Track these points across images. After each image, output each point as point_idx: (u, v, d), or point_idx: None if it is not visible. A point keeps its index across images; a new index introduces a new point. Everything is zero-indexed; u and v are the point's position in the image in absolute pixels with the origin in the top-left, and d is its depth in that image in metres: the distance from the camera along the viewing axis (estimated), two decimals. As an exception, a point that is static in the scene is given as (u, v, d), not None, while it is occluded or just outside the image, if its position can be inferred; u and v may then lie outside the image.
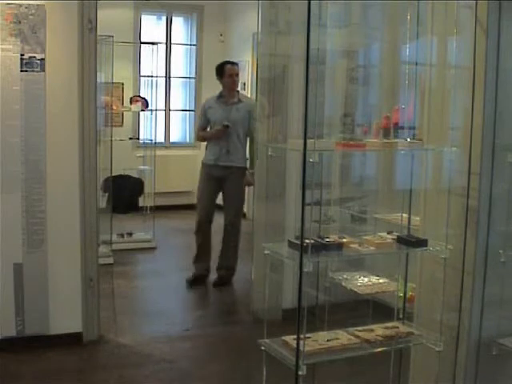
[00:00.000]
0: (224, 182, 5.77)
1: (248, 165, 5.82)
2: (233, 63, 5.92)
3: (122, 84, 8.73)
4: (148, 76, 8.37)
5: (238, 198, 5.84)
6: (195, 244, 5.91)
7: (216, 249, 5.96)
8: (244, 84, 8.83)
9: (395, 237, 2.95)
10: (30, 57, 4.03)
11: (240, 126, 5.71)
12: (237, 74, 5.82)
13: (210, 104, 5.88)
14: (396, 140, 2.95)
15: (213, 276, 5.92)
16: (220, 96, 5.83)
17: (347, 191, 4.63)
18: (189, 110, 9.79)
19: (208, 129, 5.92)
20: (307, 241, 2.57)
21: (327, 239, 2.76)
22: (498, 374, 3.04)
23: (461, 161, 2.94)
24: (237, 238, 5.87)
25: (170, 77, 9.58)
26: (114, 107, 7.31)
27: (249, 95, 8.63)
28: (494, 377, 3.05)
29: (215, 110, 5.80)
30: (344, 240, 2.82)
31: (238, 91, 5.88)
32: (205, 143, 6.02)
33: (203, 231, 5.85)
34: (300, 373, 2.60)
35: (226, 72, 5.75)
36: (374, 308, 3.60)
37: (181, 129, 9.89)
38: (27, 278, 4.17)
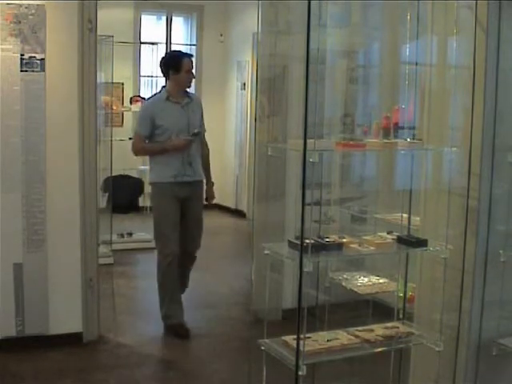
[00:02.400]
0: (185, 202, 4.62)
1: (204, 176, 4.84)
2: (190, 56, 4.77)
3: (122, 84, 8.73)
4: (148, 76, 8.38)
5: (201, 218, 4.80)
6: (161, 290, 4.68)
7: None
8: (244, 84, 8.84)
9: (395, 237, 2.95)
10: (30, 57, 4.03)
11: (197, 127, 4.68)
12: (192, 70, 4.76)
13: (158, 107, 4.61)
14: (396, 140, 2.95)
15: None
16: (169, 96, 4.62)
17: (347, 191, 4.63)
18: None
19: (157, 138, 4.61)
20: (307, 241, 2.57)
21: (327, 239, 2.76)
22: (497, 374, 3.04)
23: (461, 161, 2.94)
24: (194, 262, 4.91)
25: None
26: (114, 107, 7.31)
27: (249, 95, 8.67)
28: (493, 377, 3.05)
29: (169, 113, 4.57)
30: (344, 240, 2.82)
31: None
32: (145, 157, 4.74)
33: (175, 268, 4.60)
34: (300, 373, 2.60)
35: (183, 66, 4.59)
36: (374, 308, 3.60)
37: (181, 129, 9.89)
38: (27, 278, 4.17)
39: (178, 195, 4.56)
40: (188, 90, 4.74)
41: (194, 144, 4.61)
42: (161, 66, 4.70)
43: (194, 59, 4.83)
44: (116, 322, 4.84)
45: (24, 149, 4.08)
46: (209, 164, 4.88)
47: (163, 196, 4.58)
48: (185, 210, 4.63)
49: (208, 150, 4.89)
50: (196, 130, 4.56)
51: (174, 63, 4.60)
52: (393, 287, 3.46)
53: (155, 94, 4.90)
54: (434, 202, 3.14)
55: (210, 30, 9.49)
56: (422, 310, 3.19)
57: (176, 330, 4.59)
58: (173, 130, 4.55)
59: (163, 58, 4.77)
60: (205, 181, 4.83)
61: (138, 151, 4.79)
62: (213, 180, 4.94)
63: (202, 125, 4.75)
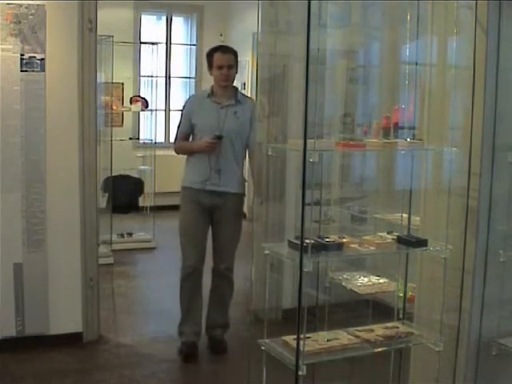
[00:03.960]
0: (214, 213, 4.24)
1: (244, 188, 4.36)
2: (225, 50, 4.29)
3: (122, 84, 8.73)
4: (148, 76, 8.38)
5: (234, 236, 4.30)
6: (179, 302, 4.33)
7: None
8: (244, 84, 8.84)
9: (395, 237, 2.95)
10: (30, 57, 4.03)
11: (237, 137, 4.19)
12: (231, 66, 4.19)
13: (197, 104, 4.34)
14: (396, 140, 2.95)
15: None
16: (211, 94, 4.27)
17: (347, 191, 4.63)
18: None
19: (190, 138, 4.35)
20: (307, 241, 2.57)
21: (327, 239, 2.76)
22: (497, 374, 3.04)
23: (461, 161, 2.94)
24: (232, 289, 4.40)
25: (170, 77, 9.58)
26: (114, 107, 7.31)
27: (249, 95, 8.66)
28: (493, 377, 3.05)
29: (204, 112, 4.23)
30: (344, 240, 2.82)
31: (236, 88, 4.32)
32: (184, 157, 4.41)
33: (194, 282, 4.26)
34: (300, 373, 2.60)
35: (214, 61, 4.20)
36: (374, 308, 3.60)
37: (181, 129, 9.89)
38: (27, 278, 4.17)
39: (204, 204, 4.19)
40: (241, 90, 4.39)
41: (230, 152, 4.15)
42: None
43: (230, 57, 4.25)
44: (116, 322, 4.84)
45: (24, 149, 4.08)
46: (255, 176, 4.24)
47: (187, 202, 4.25)
48: (214, 221, 4.26)
49: (255, 161, 4.23)
50: (218, 133, 4.09)
51: (207, 59, 4.28)
52: (393, 287, 3.46)
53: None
54: (434, 202, 3.14)
55: (210, 29, 9.49)
56: (422, 310, 3.19)
57: (181, 349, 4.28)
58: (204, 131, 4.17)
59: None
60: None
61: (176, 148, 4.41)
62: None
63: (249, 133, 4.20)
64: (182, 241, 4.27)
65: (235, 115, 4.19)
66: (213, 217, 4.24)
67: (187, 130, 4.29)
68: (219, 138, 4.09)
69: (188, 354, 4.23)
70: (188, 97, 4.77)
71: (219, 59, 4.17)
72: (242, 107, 4.22)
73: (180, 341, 4.31)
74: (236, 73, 4.27)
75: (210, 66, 4.23)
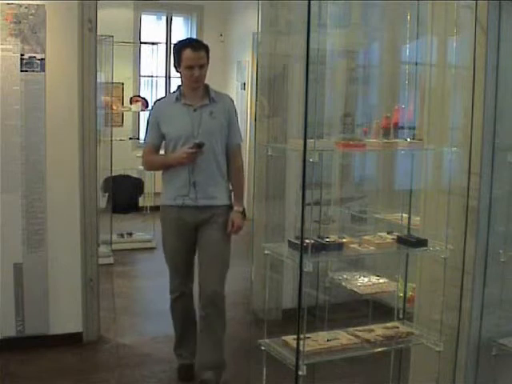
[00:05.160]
0: (199, 231, 3.69)
1: (232, 199, 3.78)
2: (196, 46, 3.60)
3: (122, 84, 8.74)
4: (148, 76, 8.38)
5: (222, 255, 3.72)
6: (173, 325, 4.02)
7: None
8: (244, 84, 8.84)
9: (395, 237, 2.95)
10: (30, 57, 4.03)
11: (217, 141, 3.64)
12: (202, 65, 3.58)
13: (165, 110, 3.72)
14: (396, 140, 2.95)
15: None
16: (179, 96, 3.67)
17: (347, 191, 4.63)
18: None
19: (162, 151, 3.77)
20: (307, 241, 2.57)
21: (327, 239, 2.76)
22: (497, 374, 3.04)
23: (461, 161, 2.94)
24: (223, 320, 3.78)
25: (169, 77, 9.58)
26: (114, 107, 7.31)
27: (249, 95, 8.66)
28: (493, 377, 3.05)
29: (174, 119, 3.65)
30: (344, 240, 2.82)
31: (206, 86, 3.70)
32: (158, 172, 3.98)
33: (183, 306, 3.90)
34: (300, 373, 2.60)
35: (182, 60, 3.58)
36: (374, 308, 3.60)
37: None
38: (27, 278, 4.17)
39: (187, 221, 3.67)
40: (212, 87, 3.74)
41: (210, 158, 3.62)
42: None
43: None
44: (116, 322, 4.84)
45: (24, 149, 4.08)
46: (239, 183, 3.78)
47: (167, 222, 3.76)
48: (198, 239, 3.72)
49: (239, 164, 3.77)
50: (198, 141, 3.53)
51: (175, 55, 3.64)
52: (393, 287, 3.47)
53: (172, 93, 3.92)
54: (434, 202, 3.14)
55: (210, 30, 9.49)
56: (422, 310, 3.19)
57: (179, 371, 3.96)
58: (178, 140, 3.62)
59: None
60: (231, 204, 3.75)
61: (145, 163, 3.88)
62: (243, 206, 3.77)
63: (229, 134, 3.70)
64: (168, 264, 3.86)
65: (211, 116, 3.63)
66: (197, 235, 3.71)
67: (157, 141, 3.71)
68: (199, 146, 3.52)
69: (184, 376, 3.92)
70: (153, 103, 4.03)
71: (189, 58, 3.55)
72: (218, 106, 3.67)
73: (178, 362, 4.00)
74: (207, 69, 3.66)
75: (178, 63, 3.61)
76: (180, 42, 3.68)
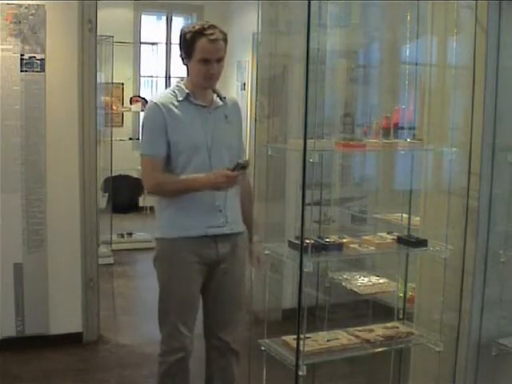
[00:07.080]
0: (219, 267, 2.89)
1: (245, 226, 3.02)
2: (214, 35, 2.72)
3: (122, 84, 8.73)
4: (148, 76, 8.38)
5: (239, 291, 3.01)
6: None
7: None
8: (244, 84, 8.83)
9: (395, 237, 2.95)
10: (30, 57, 4.03)
11: (234, 153, 2.88)
12: (220, 59, 2.78)
13: (171, 112, 2.77)
14: (396, 140, 2.95)
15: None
16: (188, 95, 2.81)
17: (347, 191, 4.63)
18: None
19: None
20: (307, 241, 2.57)
21: (327, 239, 2.76)
22: (498, 374, 3.04)
23: (461, 161, 2.94)
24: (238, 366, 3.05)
25: (169, 77, 9.57)
26: (114, 107, 7.32)
27: (249, 95, 8.66)
28: (493, 377, 3.05)
29: (186, 123, 2.78)
30: (344, 240, 2.82)
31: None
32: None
33: (182, 373, 3.01)
34: (300, 373, 2.60)
35: (196, 51, 2.74)
36: (374, 308, 3.60)
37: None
38: (27, 278, 4.17)
39: (208, 257, 2.84)
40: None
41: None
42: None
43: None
44: (116, 322, 4.84)
45: (24, 149, 4.08)
46: (251, 206, 3.08)
47: (175, 260, 2.83)
48: (215, 278, 2.91)
49: (249, 184, 3.10)
50: (242, 160, 2.77)
51: (185, 43, 2.78)
52: (393, 287, 3.47)
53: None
54: (434, 202, 3.14)
55: (210, 30, 9.48)
56: (422, 310, 3.19)
57: None
58: (193, 153, 2.78)
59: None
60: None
61: (153, 186, 2.83)
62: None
63: (240, 147, 2.98)
64: (170, 317, 2.93)
65: (226, 120, 2.87)
66: (214, 272, 2.89)
67: (165, 153, 2.77)
68: (244, 167, 2.74)
69: None
70: (152, 102, 2.84)
71: (207, 50, 2.72)
72: (230, 109, 2.92)
73: None
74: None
75: (189, 54, 2.77)
76: (192, 27, 2.76)
